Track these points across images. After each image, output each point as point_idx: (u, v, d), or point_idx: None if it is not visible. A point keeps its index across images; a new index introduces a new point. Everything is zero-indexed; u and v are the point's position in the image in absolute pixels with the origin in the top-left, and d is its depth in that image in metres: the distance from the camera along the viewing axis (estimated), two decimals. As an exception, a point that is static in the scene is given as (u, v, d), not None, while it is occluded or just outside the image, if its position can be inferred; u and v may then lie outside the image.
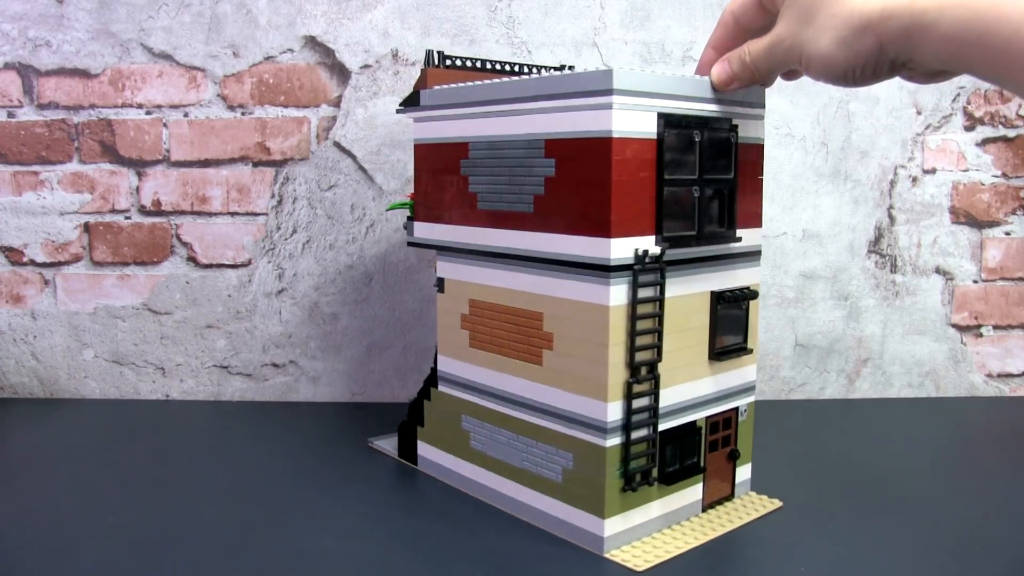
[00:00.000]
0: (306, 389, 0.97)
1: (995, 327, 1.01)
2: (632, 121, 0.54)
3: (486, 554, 0.58)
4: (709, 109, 0.59)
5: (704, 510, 0.64)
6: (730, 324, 0.63)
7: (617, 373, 0.56)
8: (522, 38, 0.93)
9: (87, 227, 0.95)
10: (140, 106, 0.94)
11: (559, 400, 0.59)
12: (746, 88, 0.59)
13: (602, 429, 0.56)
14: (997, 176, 0.99)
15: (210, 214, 0.95)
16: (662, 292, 0.57)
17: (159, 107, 0.94)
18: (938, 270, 0.99)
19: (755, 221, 0.64)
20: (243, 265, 0.96)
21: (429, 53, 0.71)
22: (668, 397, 0.59)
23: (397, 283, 0.96)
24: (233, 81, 0.93)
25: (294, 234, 0.95)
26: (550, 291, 0.59)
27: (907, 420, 0.91)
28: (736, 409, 0.66)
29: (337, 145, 0.94)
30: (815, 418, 0.92)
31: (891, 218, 0.98)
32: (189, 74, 0.93)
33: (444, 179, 0.68)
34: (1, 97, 0.93)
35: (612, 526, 0.57)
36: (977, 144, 0.98)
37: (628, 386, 0.56)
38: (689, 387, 0.61)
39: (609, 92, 0.53)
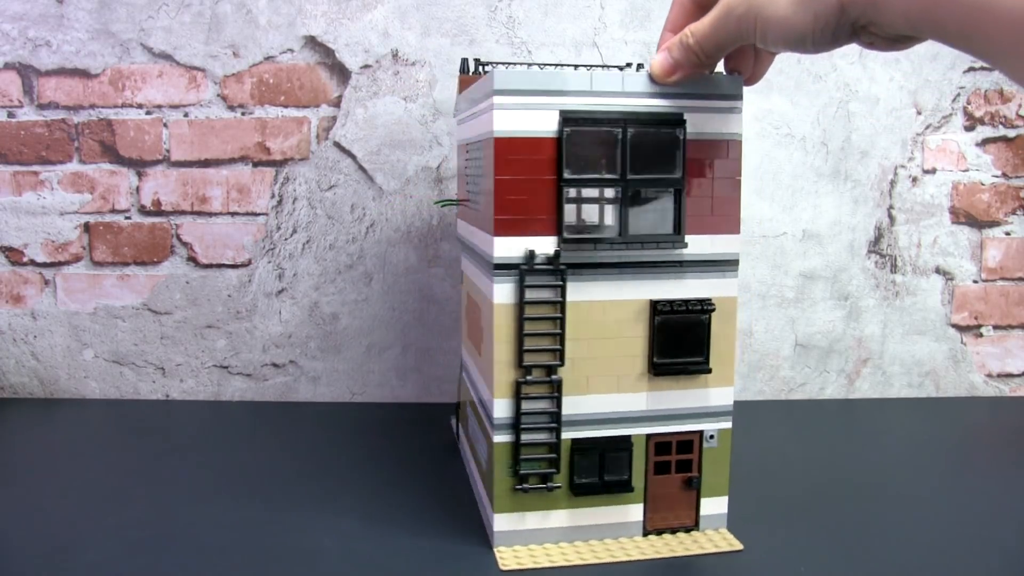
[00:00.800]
0: (306, 389, 0.97)
1: (995, 327, 1.01)
2: (523, 120, 0.54)
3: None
4: (640, 104, 0.55)
5: (646, 534, 0.60)
6: (678, 338, 0.57)
7: (504, 371, 0.56)
8: (522, 38, 0.93)
9: (87, 227, 0.95)
10: (140, 106, 0.94)
11: (482, 392, 0.62)
12: (692, 77, 0.54)
13: (492, 425, 0.57)
14: (997, 176, 0.99)
15: (210, 214, 0.95)
16: (562, 294, 0.55)
17: (159, 107, 0.94)
18: (938, 270, 0.99)
19: (724, 226, 0.58)
20: (243, 265, 0.96)
21: (464, 61, 0.69)
22: (584, 405, 0.57)
23: (397, 283, 0.96)
24: (233, 81, 0.93)
25: (294, 234, 0.95)
26: (479, 287, 0.63)
27: (907, 420, 0.91)
28: (700, 433, 0.59)
29: (337, 145, 0.94)
30: (815, 418, 0.92)
31: (891, 218, 0.98)
32: (189, 74, 0.93)
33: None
34: (1, 97, 0.93)
35: (502, 522, 0.58)
36: (977, 144, 0.98)
37: (517, 386, 0.56)
38: (616, 399, 0.58)
39: (491, 93, 0.54)
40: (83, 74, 0.93)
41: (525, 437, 0.57)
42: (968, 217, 0.99)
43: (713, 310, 0.58)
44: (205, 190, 0.95)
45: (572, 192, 0.55)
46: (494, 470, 0.57)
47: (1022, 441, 0.84)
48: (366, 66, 0.93)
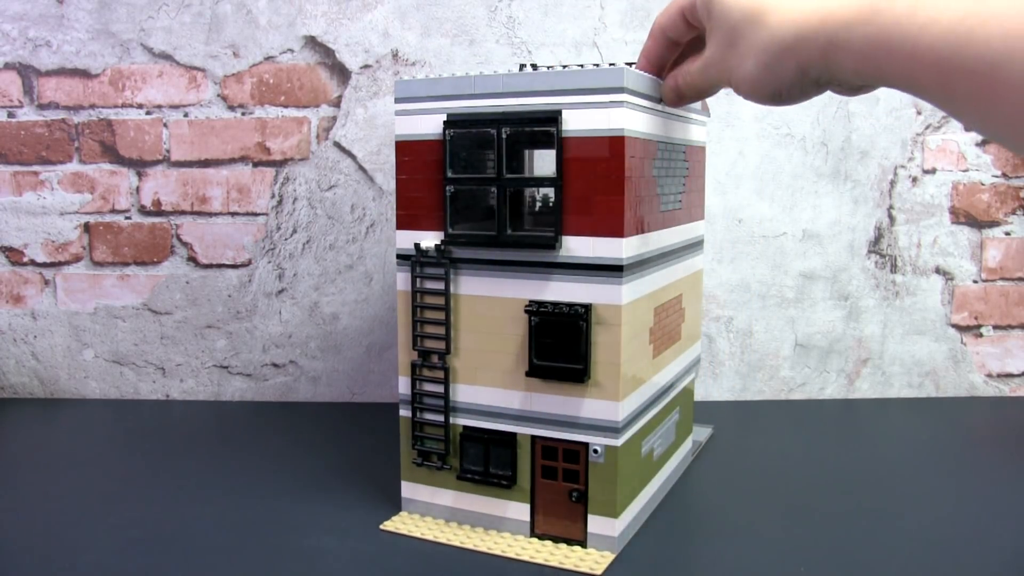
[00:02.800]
0: (306, 389, 0.97)
1: (995, 327, 1.01)
2: (417, 124, 0.58)
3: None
4: (518, 103, 0.55)
5: (534, 536, 0.59)
6: (554, 342, 0.56)
7: (404, 352, 0.61)
8: (522, 38, 0.93)
9: (87, 227, 0.95)
10: (140, 106, 0.94)
11: None
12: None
13: (400, 400, 0.63)
14: (997, 176, 0.99)
15: (210, 214, 0.95)
16: (447, 287, 0.59)
17: (159, 107, 0.94)
18: (938, 270, 0.99)
19: (606, 229, 0.54)
20: (243, 265, 0.96)
21: (523, 68, 0.65)
22: (473, 395, 0.59)
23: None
24: (233, 81, 0.93)
25: (294, 234, 0.95)
26: None
27: (907, 420, 0.91)
28: (586, 445, 0.56)
29: (337, 145, 0.94)
30: (815, 418, 0.92)
31: (891, 218, 0.98)
32: (189, 74, 0.93)
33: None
34: (1, 97, 0.93)
35: (405, 490, 0.64)
36: (977, 144, 0.98)
37: (413, 367, 0.61)
38: (501, 394, 0.58)
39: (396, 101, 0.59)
40: (83, 74, 0.93)
41: (420, 416, 0.61)
42: (968, 217, 0.99)
43: (587, 316, 0.55)
44: (205, 190, 0.95)
45: (452, 190, 0.57)
46: (400, 441, 0.63)
47: (1022, 441, 0.84)
48: (366, 66, 0.93)
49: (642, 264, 0.57)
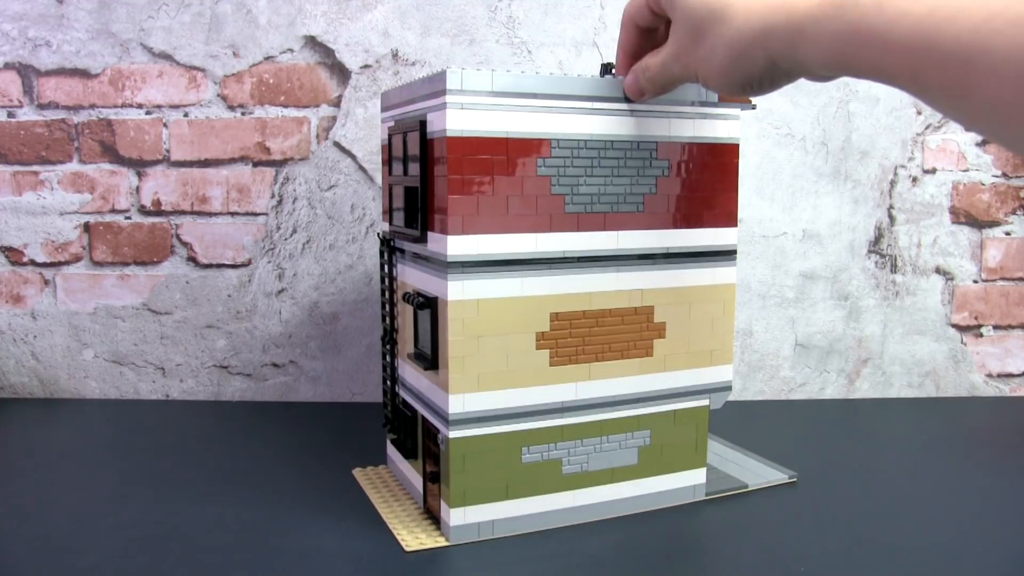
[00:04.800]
0: (306, 389, 0.97)
1: (995, 327, 1.01)
2: (383, 131, 0.69)
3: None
4: (416, 108, 0.61)
5: (423, 507, 0.64)
6: (419, 329, 0.62)
7: (380, 328, 0.71)
8: (522, 38, 0.93)
9: (87, 227, 0.95)
10: (140, 106, 0.94)
11: None
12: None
13: None
14: (997, 176, 0.99)
15: (210, 214, 0.95)
16: (390, 271, 0.68)
17: (159, 107, 0.94)
18: (938, 270, 0.99)
19: (438, 226, 0.57)
20: (243, 265, 0.96)
21: (605, 67, 0.62)
22: (402, 371, 0.68)
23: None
24: (233, 81, 0.93)
25: (294, 234, 0.95)
26: None
27: (907, 420, 0.91)
28: (439, 431, 0.60)
29: (337, 145, 0.94)
30: (815, 418, 0.92)
31: (891, 218, 0.98)
32: (189, 74, 0.93)
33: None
34: (1, 97, 0.93)
35: (389, 448, 0.73)
36: (977, 144, 0.98)
37: (382, 341, 0.70)
38: (411, 373, 0.66)
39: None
40: (83, 74, 0.93)
41: (384, 386, 0.71)
42: (968, 217, 0.99)
43: (435, 309, 0.58)
44: (205, 190, 0.95)
45: (389, 188, 0.66)
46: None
47: (1022, 441, 0.84)
48: (366, 66, 0.93)
49: (504, 264, 0.58)
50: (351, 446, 0.80)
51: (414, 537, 0.59)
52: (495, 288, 0.58)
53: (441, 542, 0.59)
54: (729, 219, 0.65)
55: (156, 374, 0.97)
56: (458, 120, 0.56)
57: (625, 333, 0.62)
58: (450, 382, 0.57)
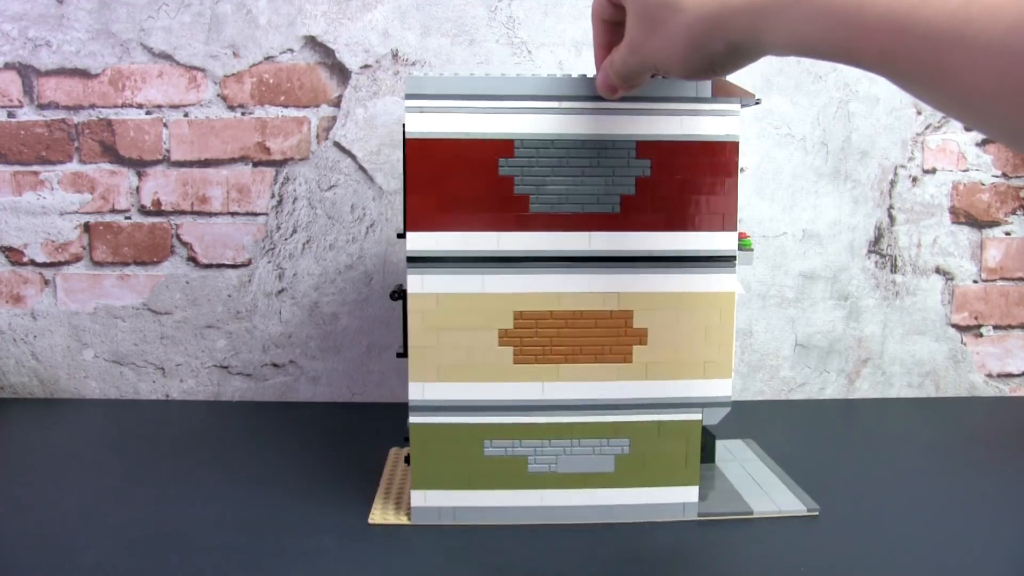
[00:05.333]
0: (306, 389, 0.97)
1: (995, 327, 1.01)
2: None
3: (486, 553, 0.58)
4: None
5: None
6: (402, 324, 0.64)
7: None
8: (522, 38, 0.93)
9: (87, 227, 0.95)
10: (140, 106, 0.94)
11: None
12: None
13: None
14: (997, 176, 0.99)
15: (210, 214, 0.95)
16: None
17: (159, 107, 0.94)
18: (938, 270, 0.99)
19: (407, 223, 0.60)
20: (243, 265, 0.96)
21: None
22: None
23: (397, 283, 0.96)
24: (233, 81, 0.93)
25: (294, 234, 0.95)
26: None
27: (907, 420, 0.91)
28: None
29: (337, 145, 0.94)
30: (815, 418, 0.92)
31: (891, 218, 0.98)
32: (189, 74, 0.93)
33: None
34: (1, 97, 0.93)
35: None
36: (977, 144, 0.98)
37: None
38: None
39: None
40: (83, 74, 0.93)
41: None
42: (968, 217, 0.99)
43: (399, 297, 0.63)
44: (205, 190, 0.95)
45: None
46: None
47: (1022, 441, 0.84)
48: (366, 66, 0.93)
49: (464, 261, 0.60)
50: (351, 446, 0.80)
51: (382, 514, 0.63)
52: (455, 284, 0.60)
53: (403, 520, 0.63)
54: (726, 222, 0.61)
55: (156, 374, 0.97)
56: (417, 123, 0.59)
57: (599, 336, 0.61)
58: (410, 371, 0.61)
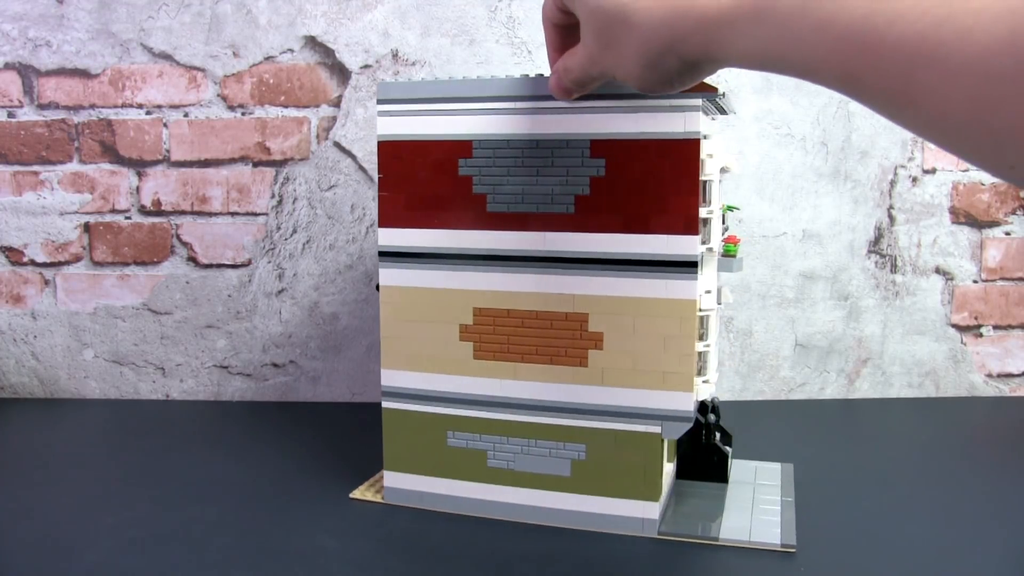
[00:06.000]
0: (306, 389, 0.97)
1: (995, 327, 1.01)
2: None
3: (486, 554, 0.58)
4: None
5: None
6: None
7: None
8: (522, 38, 0.93)
9: (87, 227, 0.95)
10: (140, 106, 0.94)
11: None
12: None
13: None
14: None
15: (210, 214, 0.95)
16: None
17: (159, 107, 0.94)
18: (938, 270, 0.99)
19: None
20: (243, 265, 0.96)
21: None
22: None
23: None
24: (233, 81, 0.93)
25: (294, 234, 0.95)
26: None
27: (907, 420, 0.91)
28: None
29: (337, 145, 0.94)
30: (815, 418, 0.92)
31: (891, 218, 0.98)
32: (189, 74, 0.93)
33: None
34: (1, 97, 0.93)
35: None
36: (977, 144, 0.98)
37: None
38: None
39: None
40: (83, 74, 0.93)
41: None
42: (968, 217, 0.99)
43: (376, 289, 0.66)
44: (205, 190, 0.95)
45: None
46: None
47: (1022, 441, 0.84)
48: (366, 66, 0.93)
49: (427, 257, 0.63)
50: (351, 446, 0.80)
51: (363, 492, 0.68)
52: (420, 278, 0.63)
53: (378, 499, 0.67)
54: (687, 226, 0.57)
55: (156, 374, 0.97)
56: (386, 125, 0.62)
57: (555, 338, 0.60)
58: (382, 358, 0.65)
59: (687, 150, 0.57)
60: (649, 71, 0.46)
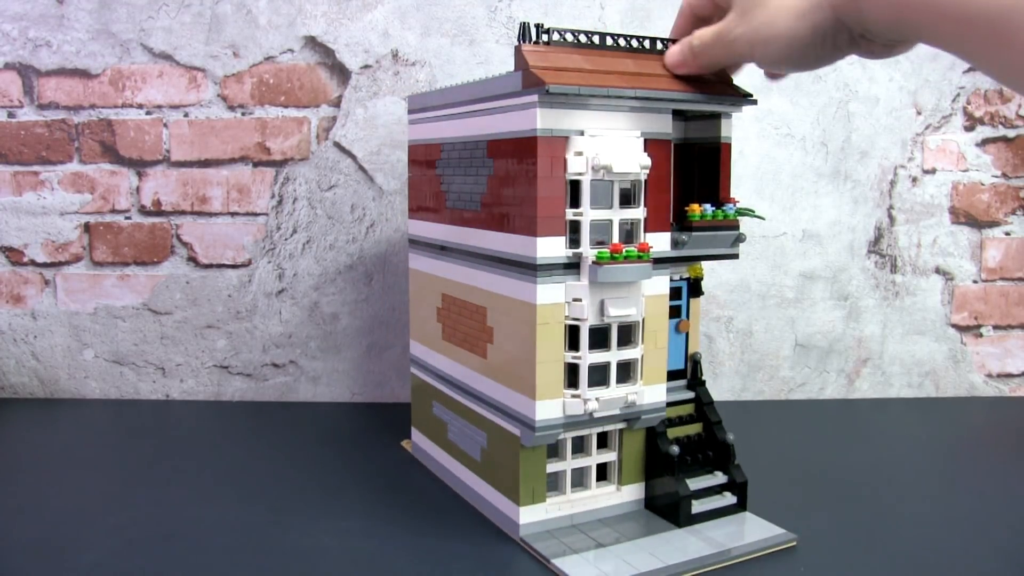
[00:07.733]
0: (306, 389, 0.97)
1: (995, 327, 1.01)
2: None
3: (489, 560, 0.58)
4: None
5: None
6: None
7: None
8: (522, 38, 0.93)
9: (87, 227, 0.95)
10: (140, 106, 0.94)
11: None
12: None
13: None
14: (997, 176, 0.99)
15: (210, 214, 0.95)
16: None
17: (159, 107, 0.94)
18: (938, 270, 0.99)
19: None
20: (243, 265, 0.96)
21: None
22: None
23: (397, 283, 0.96)
24: (233, 81, 0.93)
25: (294, 234, 0.95)
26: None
27: (907, 420, 0.91)
28: None
29: (337, 145, 0.94)
30: (815, 418, 0.92)
31: (891, 218, 0.98)
32: (189, 74, 0.93)
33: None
34: (1, 97, 0.93)
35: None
36: (977, 144, 0.98)
37: None
38: None
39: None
40: (83, 74, 0.93)
41: None
42: (968, 217, 0.99)
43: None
44: (205, 190, 0.95)
45: None
46: None
47: (1022, 441, 0.84)
48: (366, 66, 0.93)
49: (420, 246, 0.74)
50: (350, 446, 0.80)
51: (408, 444, 0.80)
52: (421, 264, 0.74)
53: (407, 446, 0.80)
54: (542, 226, 0.54)
55: (156, 374, 0.97)
56: (411, 132, 0.74)
57: (472, 328, 0.65)
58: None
59: (530, 148, 0.54)
60: (802, 24, 0.48)
